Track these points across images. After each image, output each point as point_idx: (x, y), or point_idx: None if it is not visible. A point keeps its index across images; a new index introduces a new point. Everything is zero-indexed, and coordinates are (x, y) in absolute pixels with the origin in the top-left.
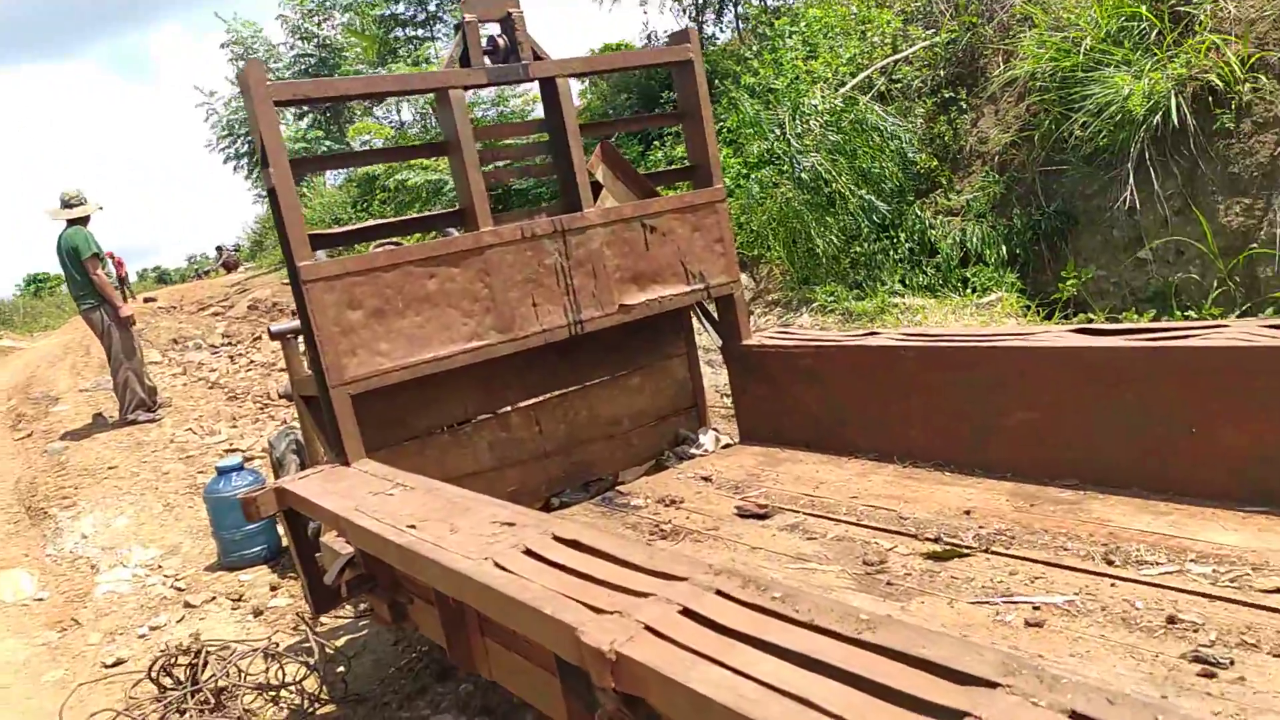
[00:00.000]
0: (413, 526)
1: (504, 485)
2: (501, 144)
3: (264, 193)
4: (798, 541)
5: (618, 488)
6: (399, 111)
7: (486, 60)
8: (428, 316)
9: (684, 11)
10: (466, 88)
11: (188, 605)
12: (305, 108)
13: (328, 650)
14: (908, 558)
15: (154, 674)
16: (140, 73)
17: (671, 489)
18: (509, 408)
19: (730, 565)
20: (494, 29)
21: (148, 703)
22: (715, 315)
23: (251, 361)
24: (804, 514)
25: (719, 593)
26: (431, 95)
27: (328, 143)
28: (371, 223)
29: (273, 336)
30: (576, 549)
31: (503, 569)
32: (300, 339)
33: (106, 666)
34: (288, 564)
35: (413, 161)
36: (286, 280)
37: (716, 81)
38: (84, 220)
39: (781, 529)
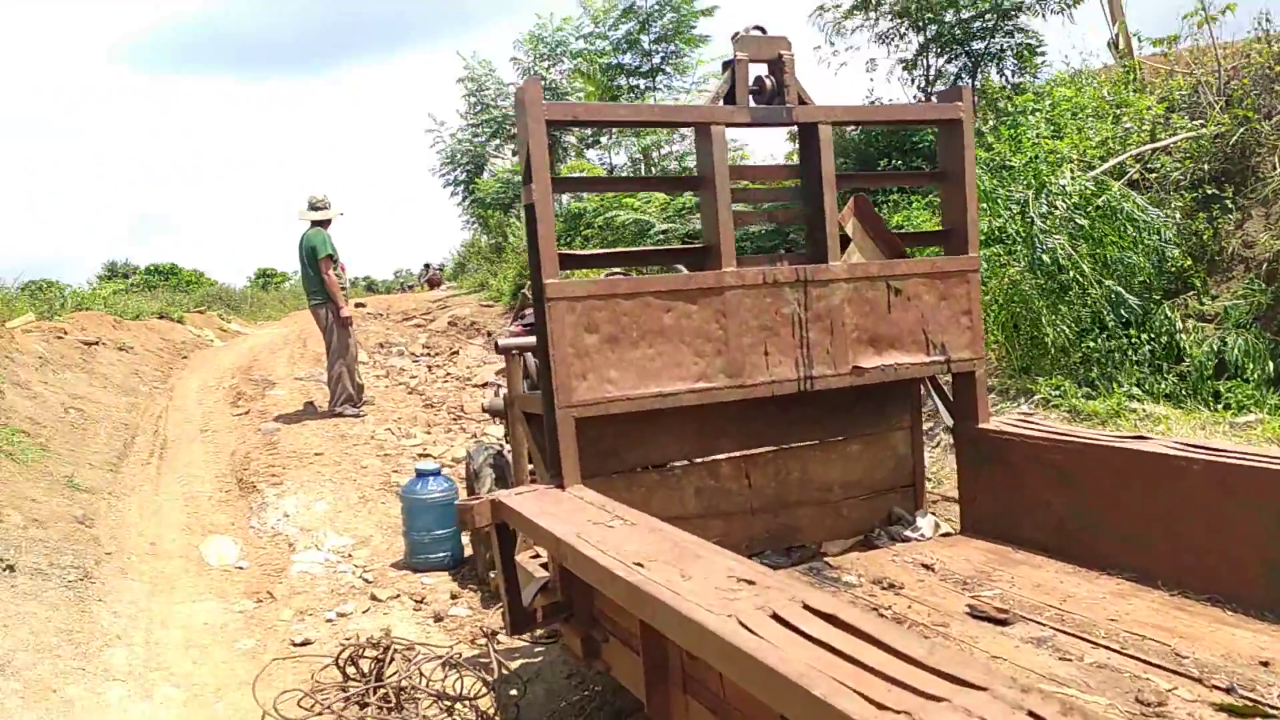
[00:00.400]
0: (640, 565)
1: (706, 535)
2: (749, 186)
3: (472, 219)
4: (1048, 660)
5: (825, 558)
6: (611, 155)
7: (751, 100)
8: (659, 350)
9: (913, 82)
10: (729, 125)
11: (374, 598)
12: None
13: (504, 670)
14: (1194, 705)
15: (341, 662)
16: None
17: (888, 571)
18: (720, 456)
19: (1030, 682)
20: (762, 69)
21: (331, 689)
22: (949, 392)
23: (448, 374)
24: (1051, 628)
25: (1032, 715)
26: (649, 140)
27: None
28: (617, 250)
29: (499, 351)
30: (833, 624)
31: (750, 631)
32: (525, 357)
33: (295, 645)
34: (468, 575)
35: (625, 200)
36: (485, 302)
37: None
38: (325, 223)
39: (1025, 641)
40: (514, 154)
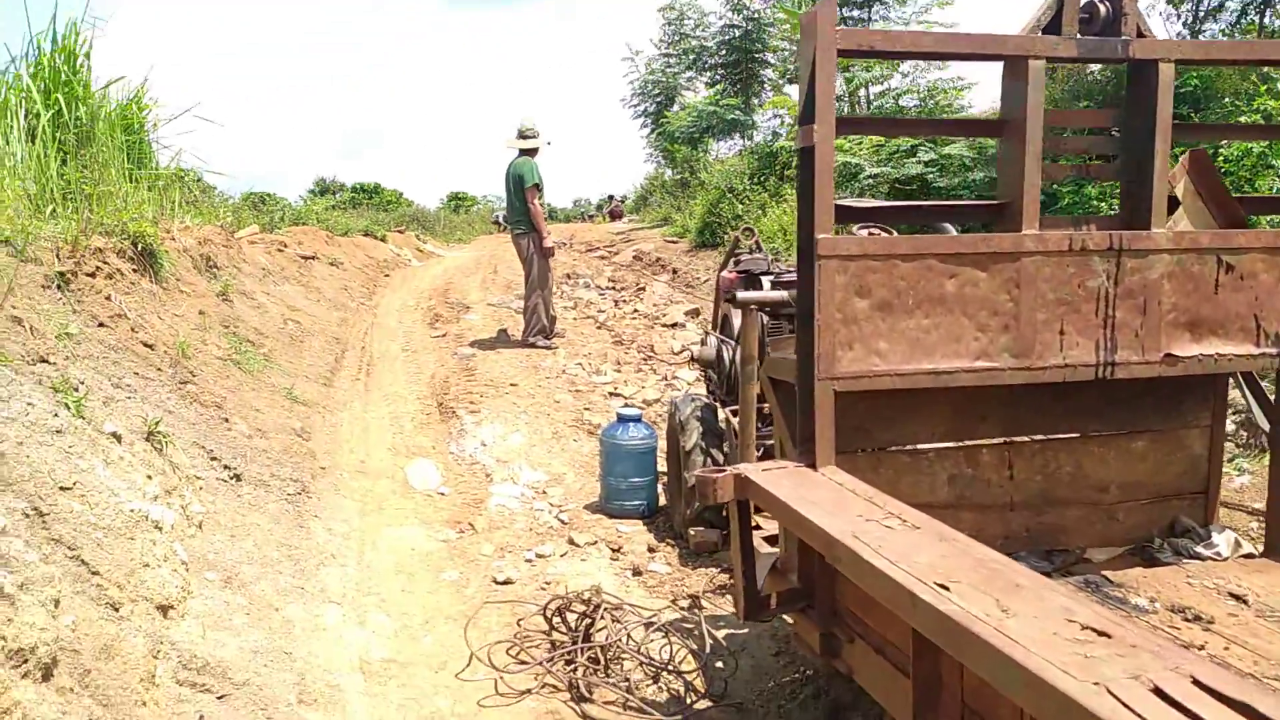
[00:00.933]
0: (945, 588)
1: (958, 528)
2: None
3: (656, 152)
4: None
5: (1104, 573)
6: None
7: (1078, 30)
8: (937, 322)
9: (1178, 17)
10: (1050, 60)
11: (571, 542)
12: (716, 70)
13: (712, 640)
14: None
15: (548, 613)
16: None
17: (1186, 597)
18: (982, 442)
19: None
20: None
21: (537, 639)
22: (1265, 389)
23: (635, 311)
24: None
25: None
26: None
27: (736, 113)
28: (903, 203)
29: (737, 304)
30: (1242, 715)
31: (1134, 714)
32: (764, 314)
33: (497, 583)
34: (663, 526)
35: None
36: (669, 238)
37: (1208, 104)
38: (533, 152)
39: None
40: (708, 86)
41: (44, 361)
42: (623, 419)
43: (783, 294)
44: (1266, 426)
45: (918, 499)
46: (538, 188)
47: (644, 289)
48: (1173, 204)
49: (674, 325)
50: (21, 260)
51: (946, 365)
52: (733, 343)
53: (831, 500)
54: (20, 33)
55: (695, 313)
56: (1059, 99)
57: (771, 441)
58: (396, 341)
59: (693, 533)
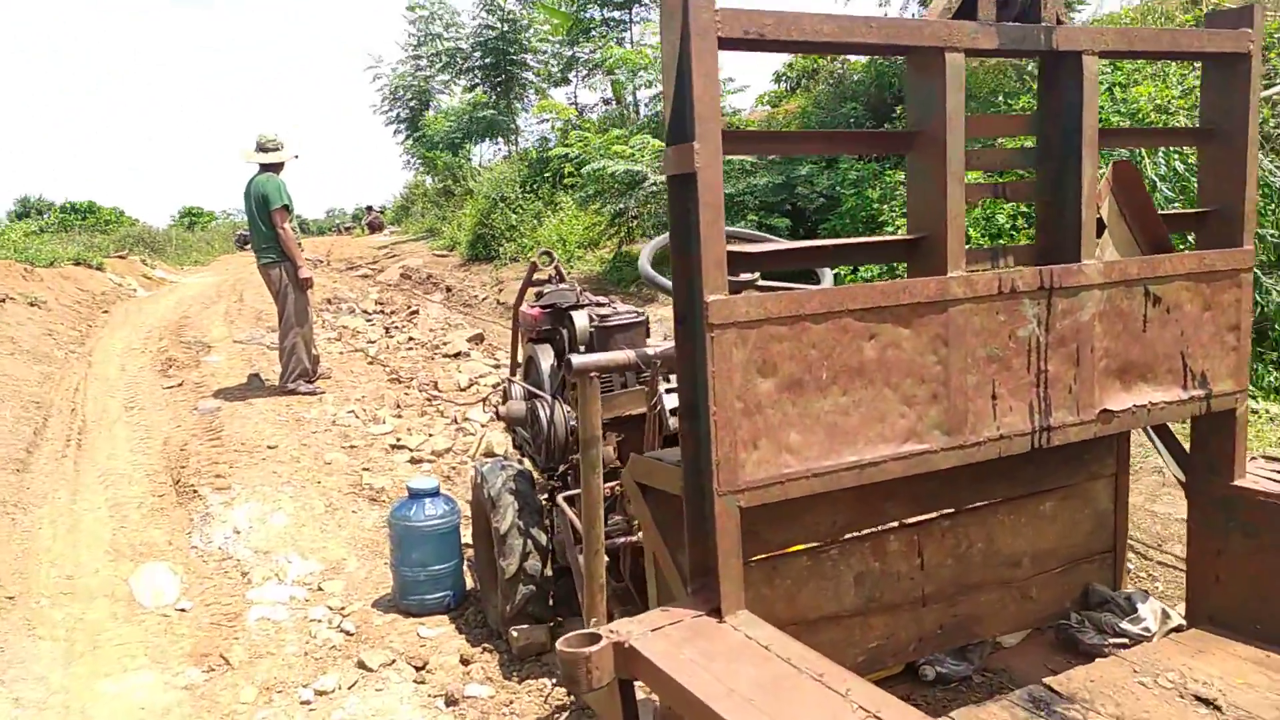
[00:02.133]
0: None
1: (867, 637)
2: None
3: (415, 159)
4: None
5: (1045, 682)
6: (578, 92)
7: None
8: (857, 398)
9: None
10: (969, 52)
11: (362, 666)
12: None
13: None
14: None
15: None
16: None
17: (1150, 709)
18: (889, 527)
19: None
20: None
21: None
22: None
23: (411, 340)
24: None
25: None
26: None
27: (489, 112)
28: (802, 244)
29: (573, 374)
30: None
31: None
32: (610, 380)
33: None
34: (473, 619)
35: (615, 148)
36: (438, 251)
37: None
38: (277, 168)
39: None
40: (466, 90)
41: None
42: (415, 494)
43: (629, 355)
44: (1182, 477)
45: (823, 610)
46: (287, 209)
47: (417, 312)
48: (1098, 227)
49: (458, 355)
50: None
51: (871, 454)
52: (548, 398)
53: (764, 684)
54: None
55: (479, 338)
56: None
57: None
58: (117, 398)
59: (515, 634)
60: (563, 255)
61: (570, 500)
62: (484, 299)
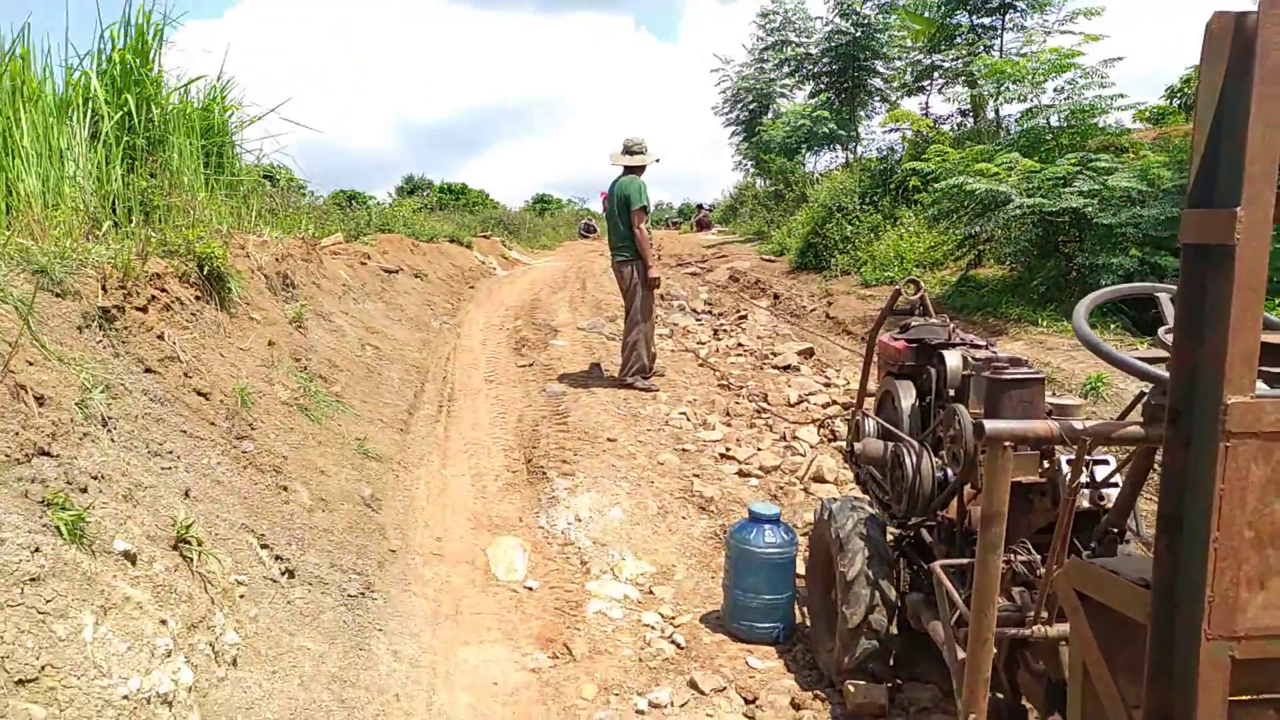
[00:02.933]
0: None
1: None
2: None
3: (747, 161)
4: None
5: None
6: (930, 103)
7: None
8: None
9: None
10: None
11: (693, 686)
12: (819, 79)
13: None
14: None
15: None
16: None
17: None
18: None
19: None
20: None
21: None
22: None
23: (739, 345)
24: None
25: None
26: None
27: (831, 125)
28: None
29: (984, 440)
30: None
31: None
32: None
33: None
34: (803, 659)
35: (978, 165)
36: (766, 256)
37: None
38: (640, 169)
39: None
40: (811, 96)
41: (43, 454)
42: (756, 518)
43: (1052, 427)
44: None
45: None
46: (645, 210)
47: (745, 317)
48: None
49: (787, 368)
50: (57, 295)
51: None
52: (914, 443)
53: None
54: (91, 27)
55: (809, 353)
56: None
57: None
58: (479, 371)
59: (851, 689)
60: (898, 273)
61: (949, 569)
62: (812, 310)
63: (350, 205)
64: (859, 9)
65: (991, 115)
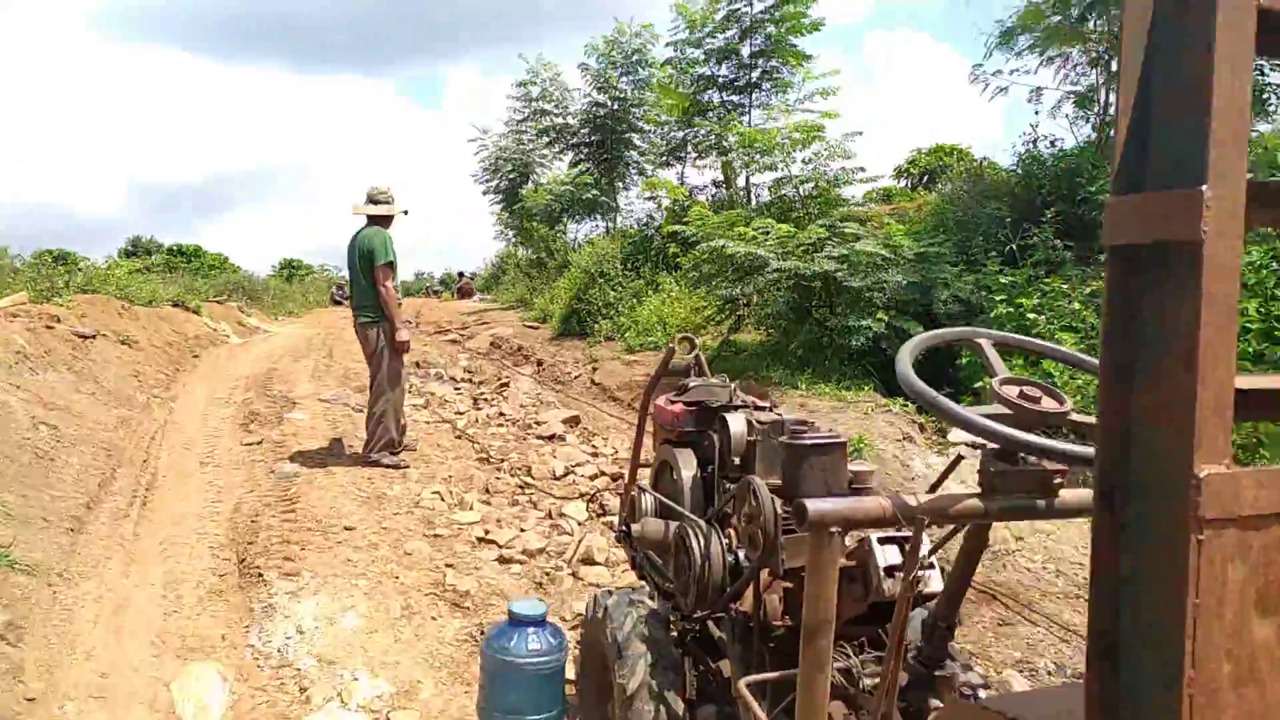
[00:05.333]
0: None
1: None
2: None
3: (508, 230)
4: None
5: None
6: (685, 174)
7: None
8: None
9: (1087, 120)
10: None
11: None
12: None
13: None
14: None
15: None
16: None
17: None
18: None
19: None
20: None
21: None
22: None
23: (501, 415)
24: None
25: None
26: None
27: (593, 192)
28: None
29: (805, 525)
30: None
31: None
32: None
33: None
34: None
35: (738, 228)
36: (529, 323)
37: None
38: (386, 221)
39: None
40: (571, 166)
41: None
42: (517, 620)
43: (884, 505)
44: None
45: None
46: (391, 266)
47: (508, 384)
48: None
49: (552, 438)
50: None
51: None
52: (700, 523)
53: None
54: None
55: (575, 421)
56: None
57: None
58: (194, 451)
59: None
60: (661, 338)
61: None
62: (577, 376)
63: (61, 263)
64: (615, 84)
65: (742, 184)
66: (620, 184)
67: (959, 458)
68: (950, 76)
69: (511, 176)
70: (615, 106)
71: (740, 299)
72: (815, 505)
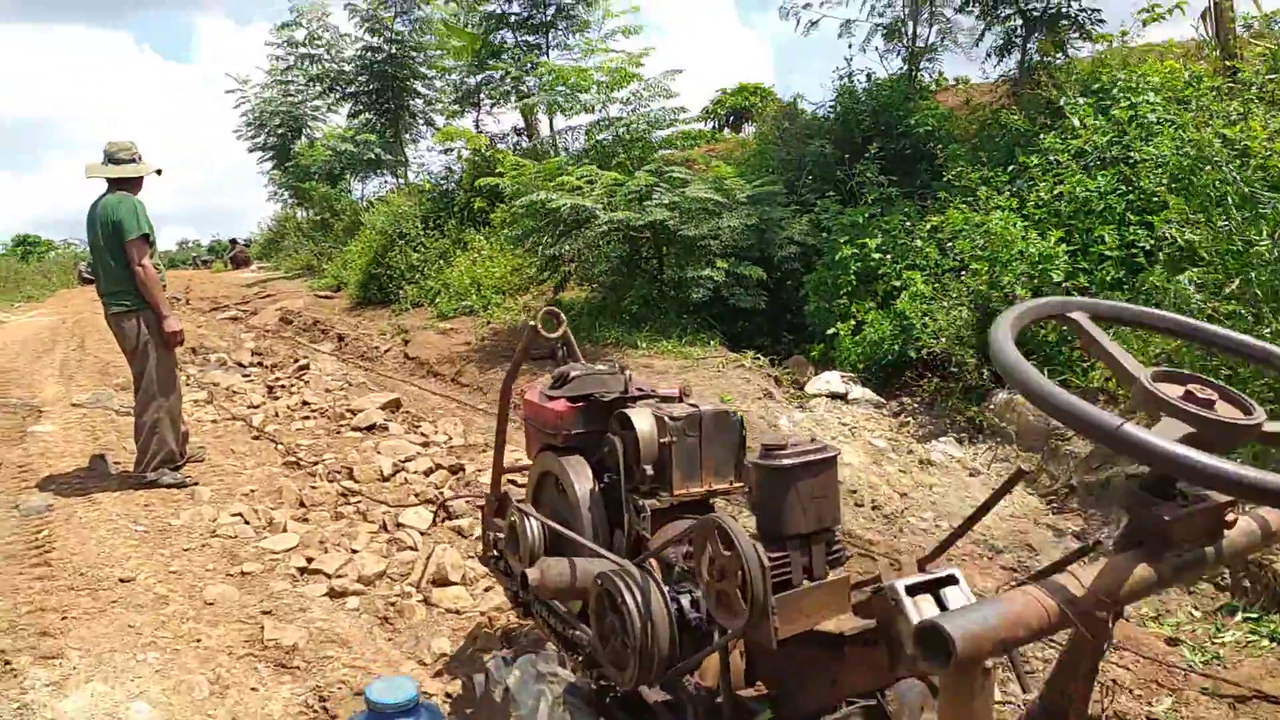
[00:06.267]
0: None
1: None
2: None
3: (282, 190)
4: None
5: None
6: (495, 119)
7: None
8: None
9: (897, 54)
10: None
11: None
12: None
13: None
14: None
15: None
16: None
17: None
18: None
19: None
20: None
21: None
22: None
23: (305, 404)
24: None
25: None
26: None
27: (377, 150)
28: None
29: (943, 663)
30: None
31: None
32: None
33: None
34: None
35: (561, 178)
36: (321, 292)
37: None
38: (134, 184)
39: None
40: (351, 116)
41: None
42: (380, 713)
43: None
44: None
45: None
46: (147, 239)
47: (307, 367)
48: None
49: (372, 428)
50: None
51: None
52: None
53: None
54: None
55: (396, 405)
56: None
57: None
58: None
59: None
60: (477, 301)
61: None
62: (387, 350)
63: None
64: (389, 26)
65: (546, 132)
66: (407, 135)
67: (1020, 472)
68: (724, 18)
69: (281, 132)
70: (393, 50)
71: (566, 255)
72: (957, 626)
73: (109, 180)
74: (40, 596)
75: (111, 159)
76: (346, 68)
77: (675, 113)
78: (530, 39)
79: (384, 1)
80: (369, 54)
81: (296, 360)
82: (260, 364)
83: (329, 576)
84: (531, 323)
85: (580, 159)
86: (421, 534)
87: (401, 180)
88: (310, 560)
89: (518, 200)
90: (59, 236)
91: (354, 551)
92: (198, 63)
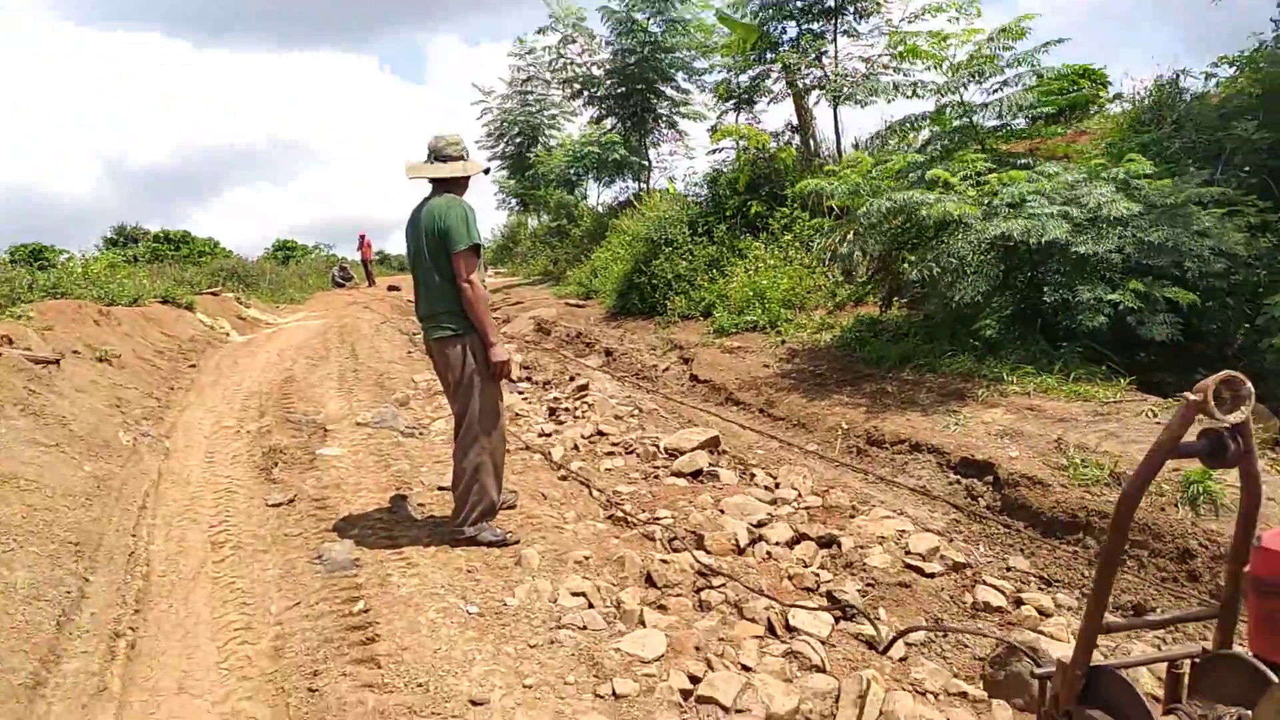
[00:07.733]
0: None
1: None
2: None
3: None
4: None
5: None
6: (759, 119)
7: None
8: None
9: None
10: None
11: None
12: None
13: None
14: None
15: None
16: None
17: None
18: None
19: None
20: None
21: None
22: None
23: (600, 433)
24: None
25: None
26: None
27: (621, 151)
28: None
29: None
30: None
31: None
32: None
33: None
34: None
35: (936, 170)
36: (571, 300)
37: None
38: (460, 185)
39: None
40: (594, 122)
41: None
42: None
43: None
44: None
45: None
46: (476, 252)
47: (586, 387)
48: None
49: (698, 474)
50: None
51: None
52: None
53: None
54: None
55: (714, 443)
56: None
57: None
58: (202, 525)
59: None
60: (760, 316)
61: None
62: (666, 369)
63: (33, 261)
64: (644, 28)
65: (831, 132)
66: (651, 139)
67: None
68: None
69: (519, 140)
70: (645, 52)
71: (912, 272)
72: None
73: (432, 181)
74: (373, 714)
75: (438, 155)
76: (597, 71)
77: (1071, 84)
78: (817, 26)
79: (635, 4)
80: (620, 55)
81: (571, 377)
82: (529, 379)
83: (726, 710)
84: (1192, 396)
85: (940, 151)
86: (821, 640)
87: (643, 184)
88: (694, 681)
89: (861, 205)
90: (310, 240)
91: (745, 669)
92: (430, 84)
